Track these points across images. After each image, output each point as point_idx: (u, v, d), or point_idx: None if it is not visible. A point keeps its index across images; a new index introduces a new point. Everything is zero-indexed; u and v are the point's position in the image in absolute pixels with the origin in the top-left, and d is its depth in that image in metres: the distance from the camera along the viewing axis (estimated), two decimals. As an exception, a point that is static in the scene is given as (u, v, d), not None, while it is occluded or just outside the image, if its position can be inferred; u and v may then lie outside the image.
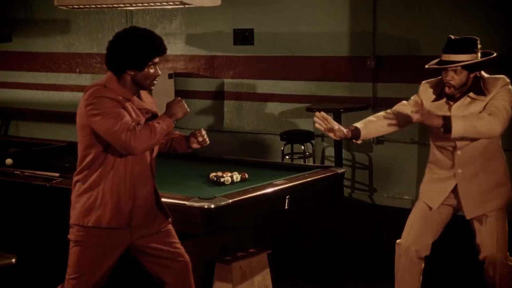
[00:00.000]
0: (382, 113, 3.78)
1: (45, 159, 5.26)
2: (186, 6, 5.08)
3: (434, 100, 3.63)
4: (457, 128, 3.38)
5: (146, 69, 3.08)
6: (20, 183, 4.39)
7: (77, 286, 3.16)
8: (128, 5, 5.16)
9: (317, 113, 3.68)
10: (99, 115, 2.99)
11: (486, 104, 3.48)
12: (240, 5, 7.33)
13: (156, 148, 3.27)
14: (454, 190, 3.65)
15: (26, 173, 4.47)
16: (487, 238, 3.59)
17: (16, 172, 4.52)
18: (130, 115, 3.05)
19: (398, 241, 3.70)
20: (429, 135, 3.76)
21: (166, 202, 3.38)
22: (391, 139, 6.65)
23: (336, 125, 3.69)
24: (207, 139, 3.37)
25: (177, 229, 3.40)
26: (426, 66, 3.60)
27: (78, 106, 3.11)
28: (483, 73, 3.58)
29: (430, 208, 3.68)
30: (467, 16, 6.13)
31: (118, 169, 3.09)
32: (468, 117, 3.43)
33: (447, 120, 3.40)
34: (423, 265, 3.71)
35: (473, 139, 3.51)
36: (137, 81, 3.10)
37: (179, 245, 3.30)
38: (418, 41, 6.45)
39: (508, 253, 3.66)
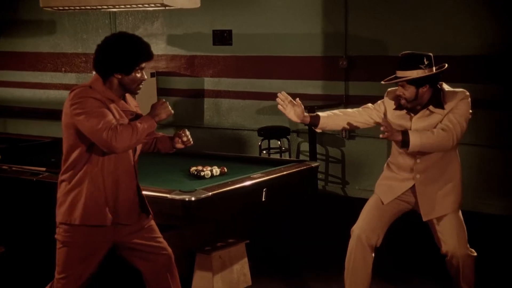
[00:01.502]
0: (347, 110, 3.81)
1: (32, 154, 5.22)
2: (167, 8, 5.06)
3: (396, 109, 3.66)
4: (414, 143, 3.43)
5: (133, 74, 3.06)
6: (8, 177, 4.34)
7: (66, 285, 3.12)
8: (111, 7, 5.13)
9: (278, 94, 3.67)
10: (83, 114, 2.95)
11: (444, 116, 3.51)
12: (219, 7, 7.31)
13: (139, 148, 3.24)
14: (413, 190, 3.68)
15: (13, 168, 4.43)
16: (448, 237, 3.63)
17: (4, 167, 4.47)
18: (114, 116, 3.01)
19: (352, 228, 3.74)
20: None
21: (148, 195, 3.36)
22: (362, 134, 6.69)
23: (295, 103, 3.67)
24: (191, 139, 3.35)
25: (159, 221, 3.39)
26: (382, 82, 3.62)
27: (63, 106, 3.07)
28: (444, 86, 3.60)
29: (382, 203, 3.71)
30: (435, 18, 6.18)
31: (102, 167, 3.05)
32: (425, 133, 3.47)
33: (405, 136, 3.44)
34: (373, 254, 3.72)
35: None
36: (124, 85, 3.07)
37: (161, 239, 3.29)
38: (387, 42, 6.49)
39: (468, 245, 3.69)
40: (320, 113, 3.74)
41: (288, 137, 6.83)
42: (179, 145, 3.35)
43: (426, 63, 3.49)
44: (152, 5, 4.94)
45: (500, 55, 5.97)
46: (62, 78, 8.56)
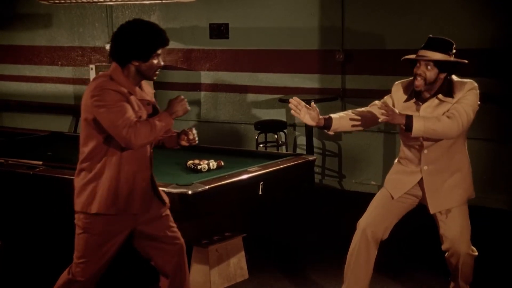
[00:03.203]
0: (356, 110, 3.73)
1: (28, 148, 5.20)
2: (163, 1, 5.04)
3: (405, 101, 3.62)
4: (418, 127, 3.40)
5: (150, 60, 3.07)
6: (4, 171, 4.33)
7: (85, 269, 3.16)
8: (107, 0, 5.11)
9: (291, 100, 3.60)
10: (104, 107, 2.96)
11: (452, 105, 3.48)
12: (215, 1, 7.28)
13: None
14: (421, 184, 3.65)
15: (10, 162, 4.41)
16: (451, 231, 3.60)
17: (0, 160, 4.45)
18: (133, 108, 3.03)
19: (359, 221, 3.72)
20: (399, 134, 3.75)
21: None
22: (359, 128, 6.68)
23: (309, 107, 3.60)
24: (196, 139, 3.36)
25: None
26: (403, 58, 3.57)
27: (83, 95, 3.07)
28: (453, 76, 3.58)
29: (392, 197, 3.69)
30: (433, 10, 6.17)
31: (121, 158, 3.07)
32: (429, 118, 3.44)
33: (409, 120, 3.41)
34: (376, 250, 3.70)
35: (437, 139, 3.53)
36: (141, 72, 3.08)
37: (176, 229, 3.32)
38: (384, 35, 6.47)
39: (471, 243, 3.67)
40: (332, 115, 3.67)
41: (285, 130, 6.83)
42: (184, 143, 3.37)
43: (453, 51, 3.50)
44: (149, -2, 4.92)
45: (500, 49, 5.96)
46: (59, 71, 8.53)
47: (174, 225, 3.32)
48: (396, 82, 3.73)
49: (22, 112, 8.65)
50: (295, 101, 3.59)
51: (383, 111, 3.46)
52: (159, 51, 3.10)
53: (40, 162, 4.32)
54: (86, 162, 3.10)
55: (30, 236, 4.59)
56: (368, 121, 3.71)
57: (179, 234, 3.32)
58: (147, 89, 3.24)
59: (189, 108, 3.21)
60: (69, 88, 8.47)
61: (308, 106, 3.60)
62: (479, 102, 3.56)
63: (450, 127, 3.42)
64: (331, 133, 3.69)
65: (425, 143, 3.58)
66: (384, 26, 6.45)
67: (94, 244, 3.13)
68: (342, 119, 3.67)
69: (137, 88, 3.12)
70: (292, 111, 3.60)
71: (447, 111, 3.47)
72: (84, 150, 3.10)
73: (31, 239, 4.60)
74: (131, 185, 3.11)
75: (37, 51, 8.62)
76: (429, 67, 3.47)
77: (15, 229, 4.61)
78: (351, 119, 3.68)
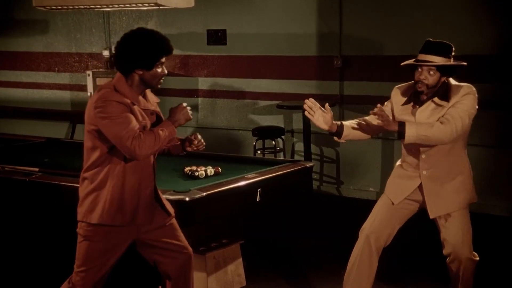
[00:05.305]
0: (364, 118, 3.70)
1: (25, 154, 5.19)
2: (161, 7, 5.04)
3: (403, 104, 3.60)
4: (410, 134, 3.39)
5: (154, 69, 3.07)
6: (1, 178, 4.31)
7: (86, 278, 3.15)
8: (104, 6, 5.11)
9: (306, 100, 3.53)
10: (107, 118, 2.96)
11: (447, 110, 3.46)
12: (212, 7, 7.29)
13: None
14: (421, 188, 3.64)
15: (6, 168, 4.40)
16: (452, 236, 3.59)
17: (-4, 167, 4.44)
18: (137, 119, 3.03)
19: (361, 227, 3.70)
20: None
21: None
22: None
23: (324, 110, 3.55)
24: (203, 142, 3.37)
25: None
26: (402, 64, 3.57)
27: (87, 106, 3.07)
28: (451, 80, 3.56)
29: (393, 203, 3.67)
30: (431, 17, 6.18)
31: (124, 168, 3.07)
32: (422, 125, 3.42)
33: (402, 127, 3.40)
34: (378, 256, 3.68)
35: (434, 145, 3.51)
36: (145, 81, 3.08)
37: (183, 238, 3.32)
38: (382, 41, 6.48)
39: (472, 248, 3.66)
40: (344, 122, 3.62)
41: (283, 137, 6.82)
42: (189, 149, 3.38)
43: (453, 54, 3.49)
44: (146, 4, 4.92)
45: (498, 54, 5.97)
46: (55, 77, 8.53)
47: (180, 234, 3.32)
48: (395, 87, 3.73)
49: (19, 118, 8.63)
50: (310, 102, 3.53)
51: (378, 117, 3.45)
52: (163, 60, 3.10)
53: (37, 169, 4.31)
54: (89, 171, 3.10)
55: (27, 243, 4.57)
56: (375, 128, 3.68)
57: (187, 244, 3.32)
58: (152, 98, 3.24)
59: (191, 116, 3.21)
60: (66, 94, 8.47)
61: (322, 109, 3.54)
62: (477, 107, 3.52)
63: (443, 133, 3.39)
64: (342, 141, 3.64)
65: (421, 148, 3.56)
66: (382, 32, 6.46)
67: (95, 253, 3.12)
68: (353, 127, 3.64)
69: (140, 98, 3.12)
70: (306, 112, 3.53)
71: (442, 116, 3.45)
72: (88, 159, 3.10)
73: (28, 246, 4.58)
74: (135, 195, 3.11)
75: (34, 57, 8.62)
76: (431, 72, 3.45)
77: (12, 236, 4.59)
78: (361, 128, 3.66)
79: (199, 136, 3.38)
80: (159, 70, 3.09)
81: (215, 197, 3.77)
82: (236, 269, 4.37)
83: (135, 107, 3.06)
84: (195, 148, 3.37)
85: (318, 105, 3.54)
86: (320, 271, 4.68)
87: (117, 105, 2.98)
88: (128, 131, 2.95)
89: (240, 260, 4.41)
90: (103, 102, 2.99)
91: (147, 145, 2.98)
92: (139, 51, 3.02)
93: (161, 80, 3.14)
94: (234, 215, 4.23)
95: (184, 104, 3.21)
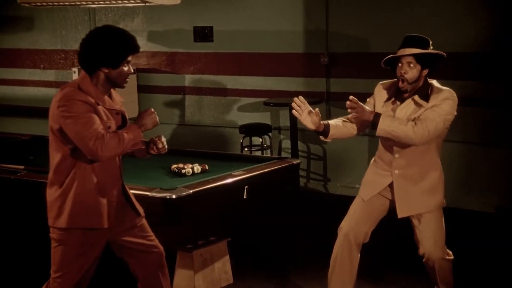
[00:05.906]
0: (347, 117, 3.69)
1: (9, 152, 5.15)
2: (147, 4, 5.02)
3: (386, 100, 3.61)
4: (382, 127, 3.40)
5: (120, 67, 3.02)
6: (-15, 176, 4.28)
7: (62, 283, 3.11)
8: (90, 2, 5.08)
9: (295, 98, 3.51)
10: (70, 118, 2.91)
11: (425, 111, 3.45)
12: (199, 4, 7.27)
13: None
14: (392, 187, 3.65)
15: (-9, 166, 4.36)
16: (425, 237, 3.61)
17: (-19, 165, 4.40)
18: (101, 119, 2.98)
19: (340, 225, 3.72)
20: None
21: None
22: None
23: (313, 111, 3.54)
24: (166, 146, 3.29)
25: (140, 219, 3.36)
26: (382, 61, 3.56)
27: (50, 105, 3.02)
28: (434, 82, 3.55)
29: (363, 199, 3.68)
30: (418, 14, 6.20)
31: (91, 170, 3.03)
32: (396, 120, 3.43)
33: (376, 118, 3.41)
34: (359, 252, 3.70)
35: (408, 145, 3.51)
36: (111, 79, 3.03)
37: (153, 237, 3.28)
38: (368, 38, 6.50)
39: (446, 248, 3.68)
40: (330, 122, 3.62)
41: (270, 134, 6.82)
42: (153, 152, 3.30)
43: (431, 48, 3.48)
44: (132, 1, 4.90)
45: (483, 52, 6.00)
46: (41, 74, 8.47)
47: (151, 233, 3.28)
48: (379, 83, 3.73)
49: (4, 116, 8.57)
50: (299, 101, 3.51)
51: (351, 110, 3.44)
52: (130, 58, 3.05)
53: (22, 167, 4.28)
54: (55, 175, 3.05)
55: (12, 242, 4.54)
56: (360, 125, 3.68)
57: (157, 242, 3.28)
58: (117, 98, 3.18)
59: (158, 122, 3.15)
60: (51, 92, 8.41)
61: (312, 109, 3.53)
62: (455, 113, 3.51)
63: (414, 133, 3.39)
64: (328, 140, 3.64)
65: (395, 148, 3.58)
66: (368, 30, 6.48)
67: (71, 256, 3.07)
68: (338, 127, 3.64)
69: (106, 97, 3.06)
70: (294, 111, 3.52)
71: (418, 117, 3.45)
72: (53, 162, 3.05)
73: (13, 244, 4.55)
74: (102, 197, 3.06)
75: (19, 54, 8.55)
76: (411, 65, 3.45)
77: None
78: (346, 126, 3.66)
79: (163, 139, 3.29)
80: (125, 68, 3.04)
81: (202, 195, 3.77)
82: (223, 267, 4.37)
83: (100, 107, 3.00)
84: (157, 152, 3.29)
85: (308, 105, 3.53)
86: (307, 268, 4.69)
87: (81, 105, 2.93)
88: (91, 131, 2.89)
89: (227, 257, 4.40)
90: (66, 101, 2.94)
91: (110, 147, 2.92)
92: (106, 48, 2.97)
93: (127, 79, 3.09)
94: (221, 213, 4.23)
95: (152, 109, 3.15)
